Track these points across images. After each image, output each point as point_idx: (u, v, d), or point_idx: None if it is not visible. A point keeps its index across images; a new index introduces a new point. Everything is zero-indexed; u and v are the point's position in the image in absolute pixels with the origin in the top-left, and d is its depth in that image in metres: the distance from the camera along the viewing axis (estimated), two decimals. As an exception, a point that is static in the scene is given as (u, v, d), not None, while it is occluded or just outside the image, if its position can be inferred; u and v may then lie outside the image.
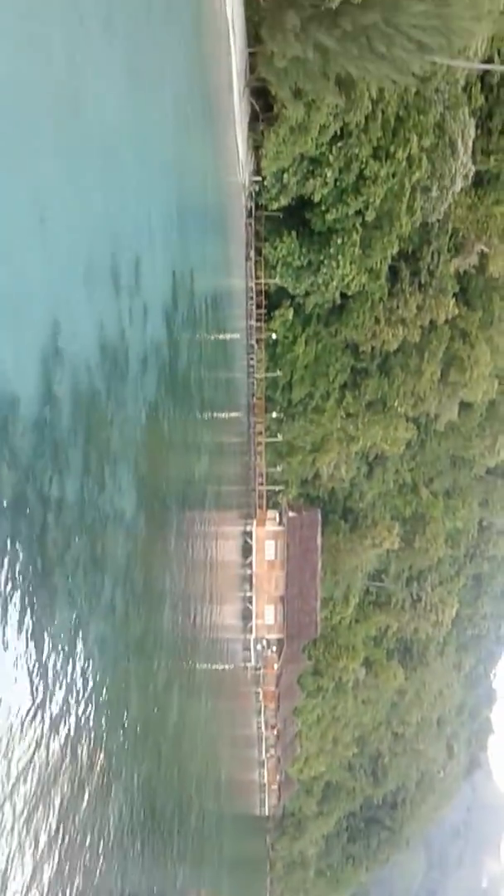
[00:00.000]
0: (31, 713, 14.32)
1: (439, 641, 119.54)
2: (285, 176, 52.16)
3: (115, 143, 20.01)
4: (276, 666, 75.48)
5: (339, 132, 52.15)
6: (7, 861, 13.52)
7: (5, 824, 13.46)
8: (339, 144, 52.39)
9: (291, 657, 73.50)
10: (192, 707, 34.75)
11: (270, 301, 60.18)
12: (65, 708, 15.95)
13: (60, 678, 15.62)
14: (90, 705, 17.57)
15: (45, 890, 15.11)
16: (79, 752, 17.00)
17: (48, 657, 14.87)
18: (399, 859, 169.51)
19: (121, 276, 20.02)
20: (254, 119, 50.30)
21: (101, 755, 18.67)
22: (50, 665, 14.99)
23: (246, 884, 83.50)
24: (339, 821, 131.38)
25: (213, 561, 41.64)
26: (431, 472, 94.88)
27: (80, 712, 16.94)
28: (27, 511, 13.91)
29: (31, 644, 14.08)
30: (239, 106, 44.44)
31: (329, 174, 52.64)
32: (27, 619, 13.83)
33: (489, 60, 60.61)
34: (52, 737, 15.30)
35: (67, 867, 16.32)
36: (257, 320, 60.18)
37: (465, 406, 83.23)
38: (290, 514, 67.07)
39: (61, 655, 15.61)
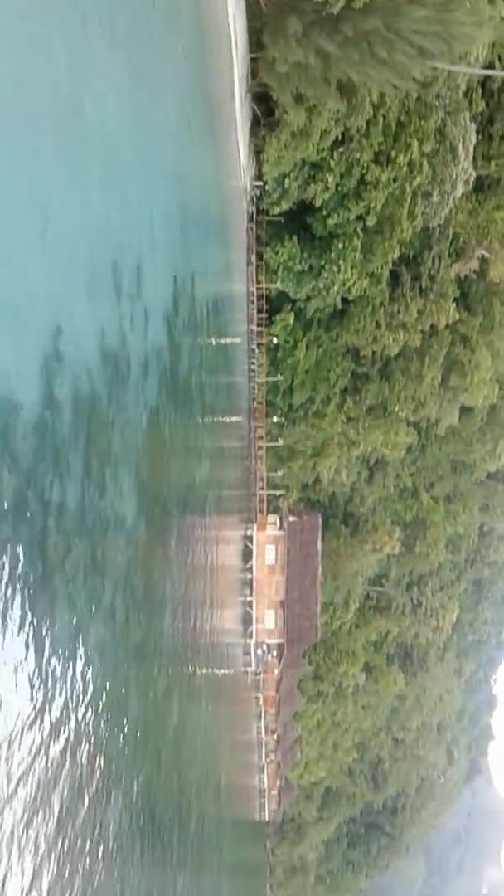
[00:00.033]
0: (32, 718, 14.29)
1: (440, 647, 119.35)
2: (286, 181, 52.23)
3: (117, 149, 20.05)
4: (276, 671, 75.39)
5: (340, 137, 52.23)
6: (7, 866, 13.48)
7: (5, 829, 13.43)
8: (341, 149, 52.47)
9: (291, 662, 73.39)
10: (192, 712, 34.69)
11: (271, 305, 60.23)
12: (65, 712, 15.93)
13: (60, 683, 15.59)
14: (90, 710, 17.54)
15: (45, 895, 15.06)
16: (78, 756, 16.97)
17: (48, 662, 14.85)
18: (399, 865, 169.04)
19: (122, 281, 20.05)
20: (255, 124, 50.40)
21: (101, 760, 18.63)
22: (50, 670, 14.97)
23: (246, 889, 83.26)
24: (339, 826, 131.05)
25: (214, 565, 41.61)
26: (432, 476, 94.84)
27: (79, 717, 16.91)
28: (28, 515, 13.91)
29: (32, 649, 14.06)
30: (240, 111, 44.53)
31: (330, 179, 52.71)
32: (28, 623, 13.82)
33: (490, 66, 60.75)
34: (51, 741, 15.27)
35: (67, 872, 16.27)
36: (258, 325, 60.21)
37: (465, 411, 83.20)
38: (291, 518, 67.03)
39: (61, 660, 15.59)
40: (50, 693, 15.03)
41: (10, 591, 13.13)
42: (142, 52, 22.53)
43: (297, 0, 41.12)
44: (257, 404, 64.19)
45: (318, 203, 53.92)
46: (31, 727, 14.28)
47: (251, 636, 66.27)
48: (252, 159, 51.57)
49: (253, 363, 61.53)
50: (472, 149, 60.74)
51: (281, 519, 67.70)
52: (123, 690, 21.03)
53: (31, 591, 13.88)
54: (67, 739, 16.16)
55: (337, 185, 53.50)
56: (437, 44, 42.20)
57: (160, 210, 25.89)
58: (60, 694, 15.58)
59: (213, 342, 40.62)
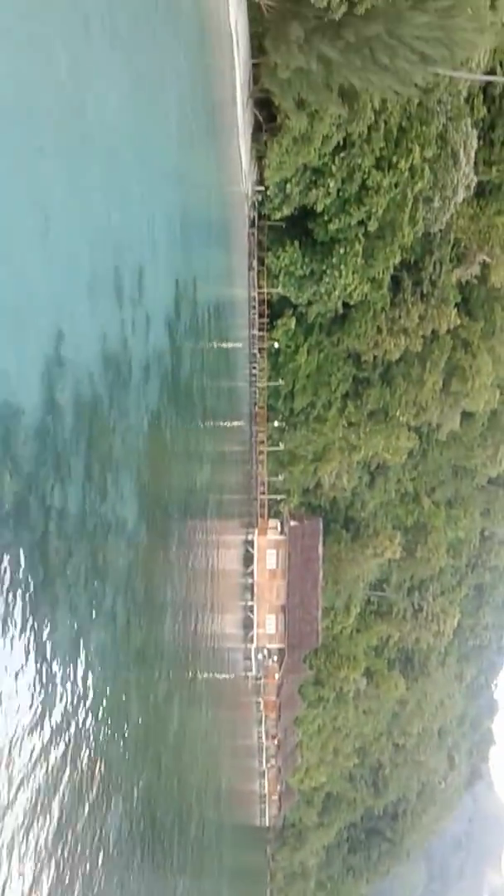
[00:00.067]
0: (32, 722, 14.28)
1: (441, 652, 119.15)
2: (288, 186, 52.30)
3: (118, 152, 20.10)
4: (276, 676, 75.26)
5: (341, 143, 52.31)
6: (7, 870, 13.46)
7: (5, 834, 13.41)
8: (342, 155, 52.55)
9: (292, 667, 73.28)
10: (193, 717, 34.64)
11: (273, 310, 60.27)
12: (65, 717, 15.91)
13: (61, 687, 15.58)
14: (90, 714, 17.53)
15: (45, 900, 15.04)
16: (79, 761, 16.95)
17: (49, 666, 14.85)
18: (400, 871, 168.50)
19: (124, 286, 20.08)
20: (257, 129, 50.49)
21: (101, 764, 18.61)
22: (51, 674, 14.97)
23: (246, 895, 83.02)
24: (339, 832, 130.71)
25: (215, 570, 41.59)
26: (433, 481, 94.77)
27: (80, 721, 16.90)
28: (30, 519, 13.91)
29: (33, 653, 14.06)
30: (242, 116, 44.62)
31: (332, 184, 52.78)
32: (29, 627, 13.81)
33: (491, 72, 60.84)
34: (52, 746, 15.26)
35: (67, 878, 16.25)
36: (259, 329, 60.25)
37: (466, 416, 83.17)
38: (292, 523, 67.01)
39: (62, 664, 15.58)
40: (51, 697, 15.02)
41: (11, 595, 13.13)
42: (144, 57, 22.59)
43: (299, 6, 41.21)
44: (258, 409, 64.19)
45: (319, 208, 53.98)
46: (31, 731, 14.27)
47: (252, 641, 66.20)
48: (254, 164, 51.66)
49: (254, 368, 61.56)
50: (473, 154, 60.82)
51: (282, 523, 67.67)
52: (124, 695, 21.02)
53: (33, 596, 13.88)
54: (68, 744, 16.15)
55: (338, 191, 53.57)
56: (439, 50, 42.28)
57: (162, 214, 25.93)
58: (61, 698, 15.57)
59: (215, 347, 40.66)
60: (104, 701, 18.62)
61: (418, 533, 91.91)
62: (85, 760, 17.31)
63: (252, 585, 65.84)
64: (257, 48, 44.95)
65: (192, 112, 31.72)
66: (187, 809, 32.95)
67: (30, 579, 13.81)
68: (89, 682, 17.21)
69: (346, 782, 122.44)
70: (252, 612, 65.80)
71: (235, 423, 53.53)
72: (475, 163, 62.24)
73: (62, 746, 15.82)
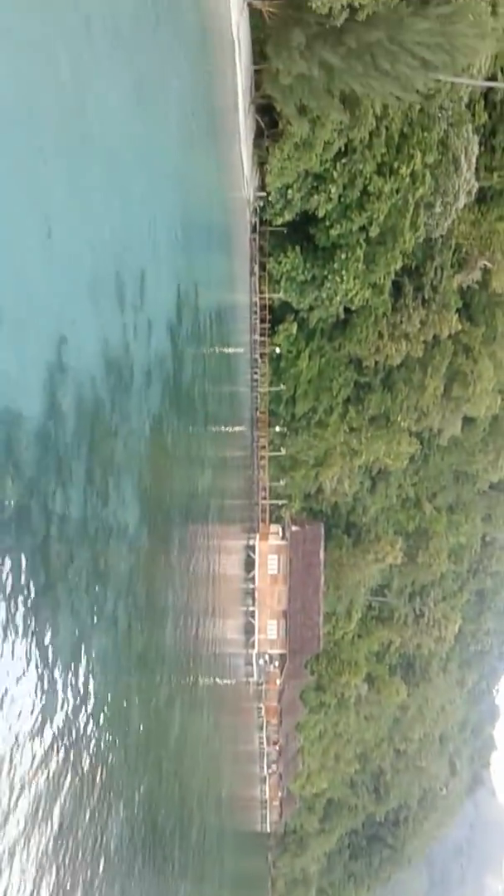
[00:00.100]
0: (34, 727, 14.26)
1: (442, 657, 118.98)
2: (290, 192, 52.40)
3: (120, 158, 20.14)
4: (278, 681, 75.16)
5: (343, 149, 52.42)
6: (8, 877, 13.43)
7: (6, 839, 13.38)
8: (344, 161, 52.66)
9: (294, 672, 73.18)
10: (194, 722, 34.58)
11: (274, 315, 60.34)
12: (67, 722, 15.89)
13: (62, 692, 15.56)
14: (92, 719, 17.50)
15: (45, 906, 14.99)
16: (80, 766, 16.92)
17: (50, 671, 14.83)
18: (401, 877, 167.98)
19: (125, 291, 20.11)
20: (259, 135, 50.62)
21: (102, 770, 18.57)
22: (52, 679, 14.95)
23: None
24: (340, 838, 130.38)
25: (216, 575, 41.55)
26: (434, 486, 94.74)
27: (81, 726, 16.87)
28: (31, 524, 13.91)
29: (34, 658, 14.04)
30: (244, 122, 44.74)
31: (333, 190, 52.88)
32: (30, 632, 13.80)
33: (493, 78, 60.99)
34: (53, 751, 15.23)
35: (68, 883, 16.20)
36: (261, 335, 60.32)
37: (468, 421, 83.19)
38: (293, 528, 66.98)
39: (64, 669, 15.57)
40: (52, 702, 15.00)
41: (13, 600, 13.12)
42: (146, 62, 22.66)
43: (301, 12, 41.35)
44: (260, 414, 64.23)
45: (321, 214, 54.08)
46: (32, 736, 14.25)
47: (253, 646, 66.11)
48: (255, 170, 51.77)
49: (256, 373, 61.60)
50: (474, 160, 60.94)
51: (283, 529, 67.64)
52: (125, 700, 20.99)
53: (34, 600, 13.87)
54: (69, 749, 16.12)
55: (340, 196, 53.67)
56: (440, 56, 42.42)
57: (164, 220, 25.98)
58: (62, 703, 15.55)
59: (216, 352, 40.69)
60: (105, 706, 18.59)
61: (420, 538, 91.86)
62: (86, 765, 17.28)
63: (253, 590, 65.79)
64: (259, 54, 45.10)
65: (193, 118, 31.80)
66: (188, 815, 32.87)
67: (31, 584, 13.81)
68: (90, 687, 17.19)
69: (347, 788, 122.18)
70: (253, 617, 65.73)
71: (237, 428, 53.55)
72: (476, 168, 62.35)
73: (63, 751, 15.79)
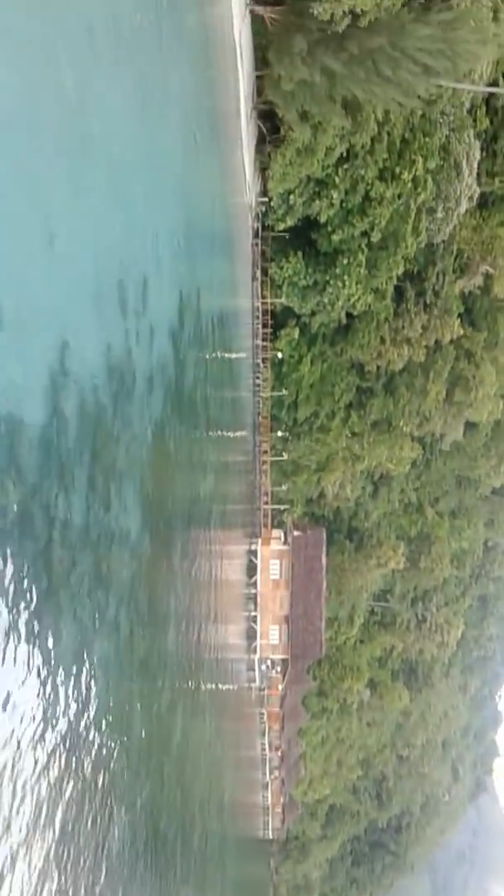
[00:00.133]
0: (35, 732, 14.25)
1: (444, 663, 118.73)
2: (292, 197, 52.47)
3: (123, 163, 20.19)
4: (280, 686, 75.04)
5: (345, 154, 52.50)
6: (10, 881, 13.41)
7: (9, 844, 13.36)
8: (345, 166, 52.74)
9: (296, 678, 73.06)
10: (196, 728, 34.53)
11: (276, 320, 60.39)
12: (68, 727, 15.87)
13: (64, 697, 15.55)
14: (94, 725, 17.48)
15: (47, 912, 14.96)
16: (81, 771, 16.89)
17: (52, 676, 14.82)
18: (403, 884, 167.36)
19: (128, 296, 20.14)
20: (261, 141, 50.73)
21: (104, 775, 18.54)
22: (54, 684, 14.94)
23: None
24: (343, 844, 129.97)
25: (218, 580, 41.52)
26: (437, 491, 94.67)
27: (83, 732, 16.86)
28: (34, 530, 13.92)
29: (36, 663, 14.04)
30: (246, 128, 44.84)
31: (335, 195, 52.95)
32: (32, 637, 13.80)
33: (494, 83, 61.07)
34: (55, 756, 15.21)
35: (70, 888, 16.17)
36: (263, 339, 60.38)
37: (470, 426, 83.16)
38: (295, 533, 66.94)
39: (66, 674, 15.56)
40: (54, 707, 14.99)
41: (15, 605, 13.12)
42: (149, 68, 22.73)
43: (303, 18, 41.45)
44: (262, 419, 64.26)
45: (323, 219, 54.15)
46: (34, 741, 14.24)
47: (255, 651, 66.02)
48: (257, 176, 51.88)
49: (258, 378, 61.65)
50: (476, 165, 61.01)
51: (285, 533, 67.60)
52: (127, 705, 20.96)
53: (37, 606, 13.87)
54: (71, 754, 16.10)
55: (342, 202, 53.73)
56: (442, 62, 42.49)
57: (166, 225, 26.03)
58: (64, 708, 15.54)
59: (218, 357, 40.72)
60: (107, 711, 18.57)
61: (422, 543, 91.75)
62: (88, 771, 17.26)
63: (255, 596, 65.72)
64: (261, 60, 45.22)
65: (196, 123, 31.88)
66: (190, 821, 32.81)
67: (34, 589, 13.81)
68: (92, 692, 17.18)
69: (349, 794, 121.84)
70: (255, 622, 65.66)
71: (239, 433, 53.57)
72: (478, 174, 62.42)
73: (65, 757, 15.78)
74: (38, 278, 14.11)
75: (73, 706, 16.09)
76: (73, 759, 16.30)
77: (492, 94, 63.22)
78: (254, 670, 67.68)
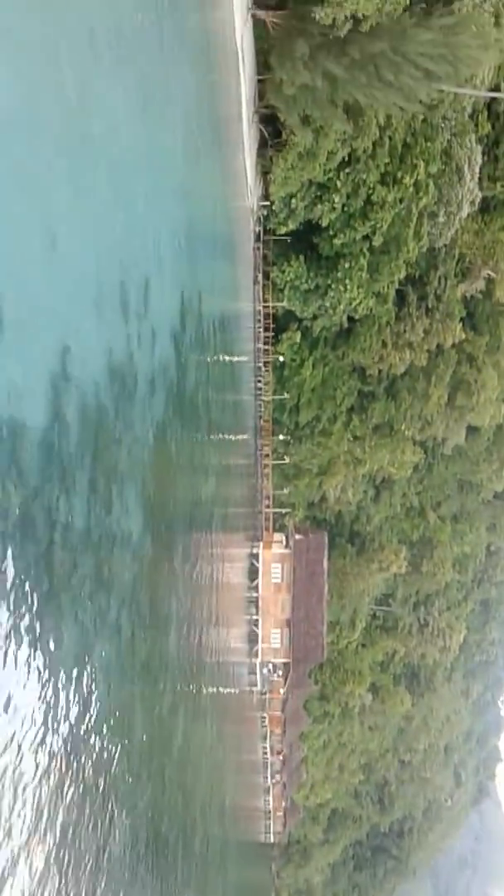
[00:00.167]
0: (37, 735, 14.24)
1: (447, 667, 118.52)
2: (293, 201, 52.55)
3: (125, 167, 20.24)
4: (281, 690, 74.91)
5: (346, 158, 52.58)
6: (10, 884, 13.39)
7: (9, 847, 13.35)
8: (347, 170, 52.81)
9: (297, 682, 72.94)
10: (197, 731, 34.48)
11: (278, 324, 60.43)
12: (69, 730, 15.86)
13: (65, 700, 15.54)
14: (95, 728, 17.47)
15: (48, 916, 14.94)
16: (83, 775, 16.88)
17: (54, 679, 14.82)
18: (406, 889, 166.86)
19: (130, 299, 20.17)
20: (262, 145, 50.82)
21: (105, 779, 18.52)
22: (55, 687, 14.93)
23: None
24: (345, 849, 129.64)
25: (219, 583, 41.50)
26: (439, 495, 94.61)
27: (84, 735, 16.84)
28: (35, 532, 13.93)
29: (37, 666, 14.03)
30: (248, 132, 44.93)
31: (337, 199, 53.01)
32: (34, 640, 13.80)
33: (496, 88, 61.17)
34: (56, 759, 15.20)
35: (71, 891, 16.14)
36: (265, 343, 60.42)
37: (472, 430, 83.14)
38: (297, 536, 66.89)
39: (67, 677, 15.55)
40: (55, 710, 14.98)
41: (17, 608, 13.12)
42: (150, 72, 22.79)
43: (305, 23, 41.56)
44: (264, 422, 64.27)
45: (324, 223, 54.22)
46: (36, 744, 14.23)
47: (256, 655, 65.94)
48: (259, 180, 51.97)
49: (259, 381, 61.69)
50: (477, 170, 61.10)
51: (287, 537, 67.54)
52: (128, 709, 20.94)
53: (38, 609, 13.87)
54: (72, 757, 16.09)
55: (343, 206, 53.79)
56: (443, 66, 42.57)
57: (168, 229, 26.08)
58: (65, 711, 15.53)
59: (220, 360, 40.75)
60: (108, 715, 18.56)
61: (424, 547, 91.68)
62: (89, 774, 17.24)
63: (257, 599, 65.66)
64: (263, 65, 45.34)
65: (198, 127, 31.95)
66: (191, 825, 32.75)
67: (35, 592, 13.81)
68: (94, 695, 17.16)
69: (351, 799, 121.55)
70: (257, 626, 65.59)
71: (240, 437, 53.59)
72: (480, 178, 62.49)
73: (66, 760, 15.76)
74: (39, 280, 14.14)
75: (75, 709, 16.09)
76: (75, 762, 16.28)
77: (493, 99, 63.32)
78: (255, 674, 67.59)
